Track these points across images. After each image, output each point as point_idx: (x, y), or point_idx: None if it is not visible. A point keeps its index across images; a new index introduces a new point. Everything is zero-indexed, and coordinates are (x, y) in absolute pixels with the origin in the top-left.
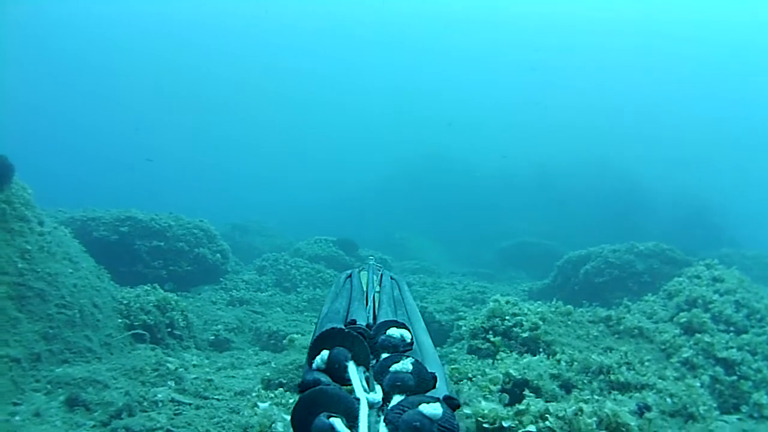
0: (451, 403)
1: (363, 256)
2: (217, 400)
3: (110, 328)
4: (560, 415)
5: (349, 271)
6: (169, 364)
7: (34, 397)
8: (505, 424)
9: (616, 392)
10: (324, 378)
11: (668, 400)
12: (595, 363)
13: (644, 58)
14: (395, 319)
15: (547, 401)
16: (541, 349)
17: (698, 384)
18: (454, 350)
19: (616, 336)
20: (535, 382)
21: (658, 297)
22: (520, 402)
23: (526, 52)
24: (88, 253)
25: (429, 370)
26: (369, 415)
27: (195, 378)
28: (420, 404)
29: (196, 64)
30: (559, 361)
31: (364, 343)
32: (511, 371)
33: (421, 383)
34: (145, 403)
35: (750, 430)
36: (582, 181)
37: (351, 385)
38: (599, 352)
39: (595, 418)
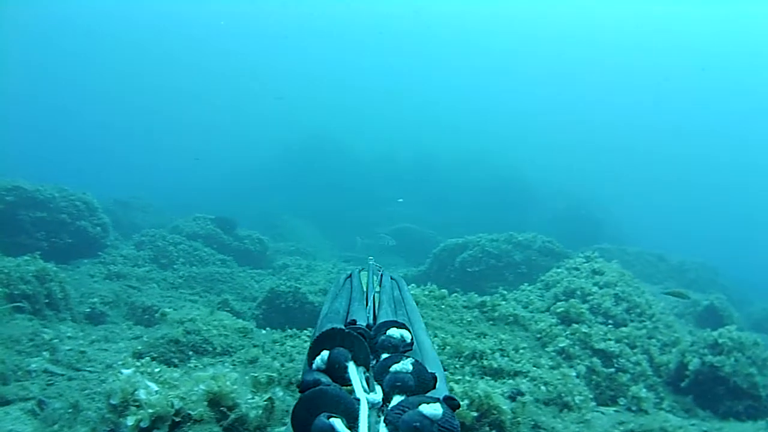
0: (451, 403)
1: (241, 236)
2: (89, 371)
3: None
4: None
5: (349, 272)
6: (44, 335)
7: None
8: None
9: (488, 378)
10: (324, 378)
11: (543, 387)
12: (468, 348)
13: (533, 64)
14: (395, 319)
15: None
16: None
17: (574, 374)
18: None
19: (491, 322)
20: None
21: (534, 287)
22: None
23: (417, 45)
24: None
25: (429, 371)
26: (369, 416)
27: (69, 349)
28: (420, 404)
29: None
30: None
31: (364, 343)
32: None
33: (421, 383)
34: (20, 373)
35: (627, 422)
36: (467, 173)
37: (351, 385)
38: (473, 338)
39: (466, 399)
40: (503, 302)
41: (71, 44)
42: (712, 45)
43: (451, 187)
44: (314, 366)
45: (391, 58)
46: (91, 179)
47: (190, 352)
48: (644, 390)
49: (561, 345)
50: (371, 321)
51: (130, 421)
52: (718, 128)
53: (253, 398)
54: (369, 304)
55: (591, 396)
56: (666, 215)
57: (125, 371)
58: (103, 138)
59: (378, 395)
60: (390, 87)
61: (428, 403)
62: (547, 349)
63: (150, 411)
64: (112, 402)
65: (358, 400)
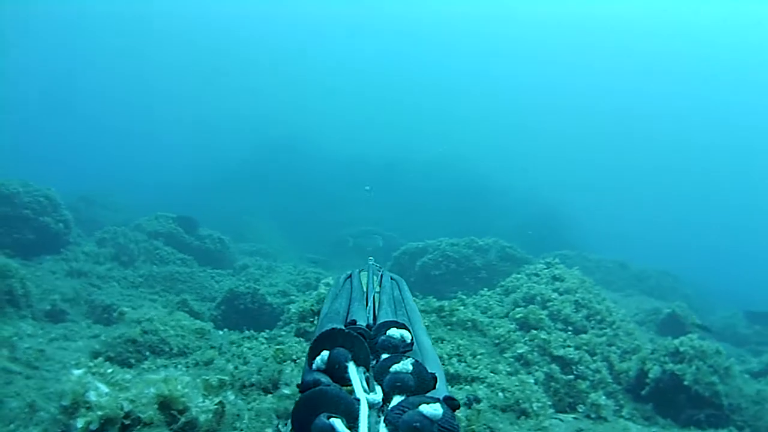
0: (451, 403)
1: (202, 235)
2: (47, 371)
3: None
4: None
5: (349, 272)
6: (4, 332)
7: None
8: None
9: None
10: (324, 378)
11: (500, 394)
12: None
13: (510, 69)
14: (395, 319)
15: None
16: None
17: (532, 380)
18: (283, 333)
19: (449, 327)
20: None
21: (494, 292)
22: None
23: (389, 46)
24: None
25: (429, 371)
26: (369, 416)
27: (28, 347)
28: (420, 405)
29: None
30: None
31: (364, 343)
32: None
33: (421, 384)
34: None
35: (586, 429)
36: (436, 177)
37: (351, 385)
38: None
39: None
40: (462, 307)
41: (52, 36)
42: (693, 53)
43: (420, 191)
44: (314, 366)
45: (362, 60)
46: (64, 174)
47: (147, 352)
48: (604, 397)
49: (519, 351)
50: (371, 321)
51: (79, 423)
52: (686, 138)
53: (203, 402)
54: (369, 304)
55: (549, 403)
56: (629, 223)
57: (76, 372)
58: (75, 133)
59: (378, 395)
60: (363, 89)
61: (428, 403)
62: (505, 355)
63: (99, 413)
64: (63, 403)
65: (358, 400)
